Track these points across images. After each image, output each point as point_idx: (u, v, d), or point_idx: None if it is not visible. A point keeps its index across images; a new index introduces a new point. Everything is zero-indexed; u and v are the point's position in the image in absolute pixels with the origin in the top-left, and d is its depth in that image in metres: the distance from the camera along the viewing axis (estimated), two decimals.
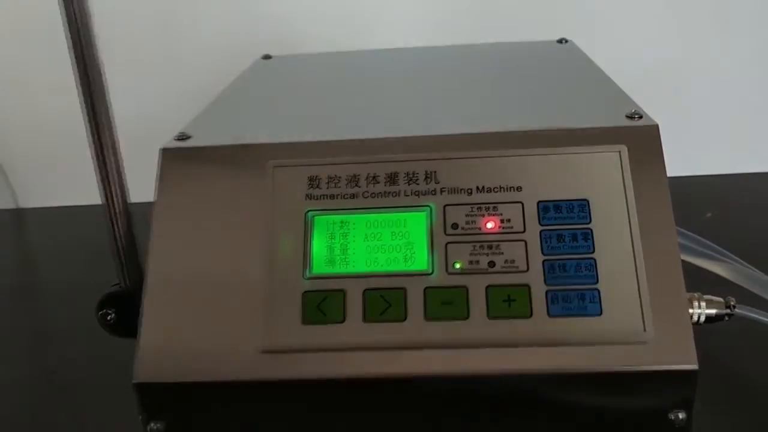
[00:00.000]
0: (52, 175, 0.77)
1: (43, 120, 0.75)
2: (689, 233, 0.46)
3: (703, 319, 0.37)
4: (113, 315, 0.39)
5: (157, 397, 0.35)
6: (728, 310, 0.38)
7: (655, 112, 0.38)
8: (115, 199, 0.38)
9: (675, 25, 0.73)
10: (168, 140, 0.39)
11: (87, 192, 0.73)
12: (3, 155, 0.76)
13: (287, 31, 0.71)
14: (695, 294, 0.37)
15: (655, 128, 0.37)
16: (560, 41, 0.59)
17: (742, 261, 0.45)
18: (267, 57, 0.61)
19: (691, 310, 0.37)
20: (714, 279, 0.44)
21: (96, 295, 0.41)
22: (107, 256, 0.45)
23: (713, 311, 0.37)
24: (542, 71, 0.52)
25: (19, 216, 0.78)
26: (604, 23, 0.74)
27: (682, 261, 0.44)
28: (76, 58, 0.35)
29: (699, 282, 0.39)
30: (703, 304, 0.37)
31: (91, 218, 0.72)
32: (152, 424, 0.35)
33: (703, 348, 0.33)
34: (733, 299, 0.38)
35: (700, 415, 0.34)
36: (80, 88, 0.36)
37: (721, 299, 0.38)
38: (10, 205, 0.78)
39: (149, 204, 0.38)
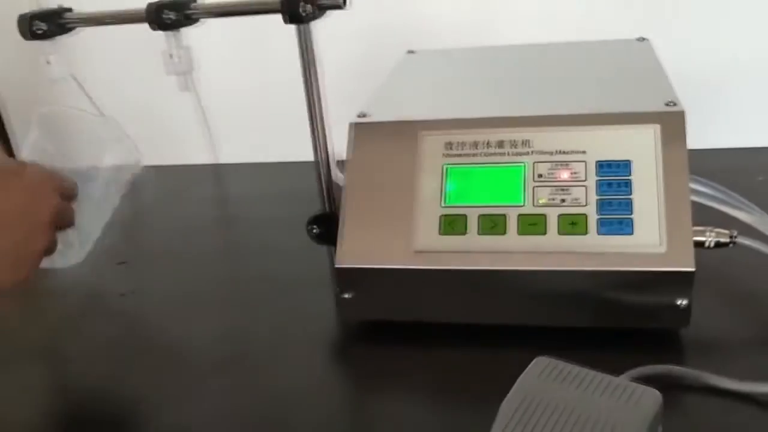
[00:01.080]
0: (246, 136, 1.00)
1: (246, 92, 0.98)
2: (724, 188, 0.62)
3: (713, 244, 0.54)
4: (317, 229, 0.61)
5: (348, 277, 0.56)
6: (731, 239, 0.54)
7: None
8: (322, 152, 0.59)
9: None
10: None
11: (269, 151, 0.96)
12: (212, 117, 0.99)
13: (427, 28, 0.90)
14: (708, 227, 0.54)
15: (681, 114, 0.54)
16: (639, 39, 0.75)
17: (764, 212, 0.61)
18: (411, 52, 0.81)
19: (703, 238, 0.53)
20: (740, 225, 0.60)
21: (291, 226, 0.63)
22: (294, 199, 0.67)
23: (720, 239, 0.54)
24: (615, 66, 0.69)
25: (217, 170, 1.03)
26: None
27: (713, 208, 0.60)
28: (300, 46, 0.55)
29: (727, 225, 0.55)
30: (713, 234, 0.54)
31: (276, 172, 0.96)
32: (344, 295, 0.57)
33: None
34: (736, 231, 0.54)
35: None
36: (305, 76, 0.56)
37: (727, 231, 0.54)
38: (213, 161, 1.03)
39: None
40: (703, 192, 0.60)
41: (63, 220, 0.54)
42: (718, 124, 0.88)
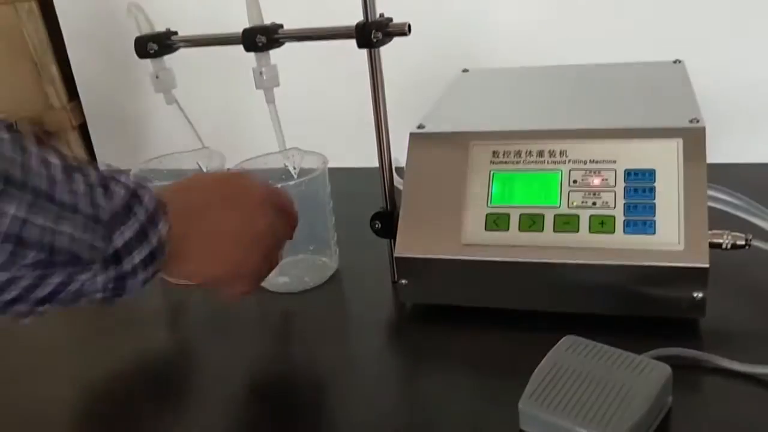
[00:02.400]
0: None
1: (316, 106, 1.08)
2: (747, 199, 0.68)
3: (729, 246, 0.61)
4: (379, 224, 0.70)
5: (405, 265, 0.65)
6: (746, 242, 0.61)
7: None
8: (385, 158, 0.68)
9: None
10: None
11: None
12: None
13: (480, 49, 0.99)
14: (726, 231, 0.61)
15: (702, 129, 0.61)
16: (675, 62, 0.82)
17: None
18: (465, 70, 0.89)
19: (720, 240, 0.60)
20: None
21: (358, 223, 0.72)
22: (362, 199, 0.76)
23: (736, 241, 0.61)
24: (648, 86, 0.76)
25: None
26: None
27: (737, 217, 0.67)
28: (370, 68, 0.65)
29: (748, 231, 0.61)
30: (730, 237, 0.60)
31: (344, 176, 1.05)
32: (401, 281, 0.66)
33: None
34: (751, 235, 0.61)
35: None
36: (373, 94, 0.66)
37: (742, 234, 0.61)
38: None
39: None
40: (729, 201, 0.67)
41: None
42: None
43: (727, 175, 0.68)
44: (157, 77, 0.71)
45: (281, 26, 0.67)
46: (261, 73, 0.67)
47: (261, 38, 0.65)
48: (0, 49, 1.80)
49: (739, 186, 0.67)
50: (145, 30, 0.70)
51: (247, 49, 0.66)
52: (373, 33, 0.61)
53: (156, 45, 0.69)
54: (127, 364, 0.66)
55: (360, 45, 0.62)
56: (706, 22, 0.94)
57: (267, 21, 0.67)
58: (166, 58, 0.73)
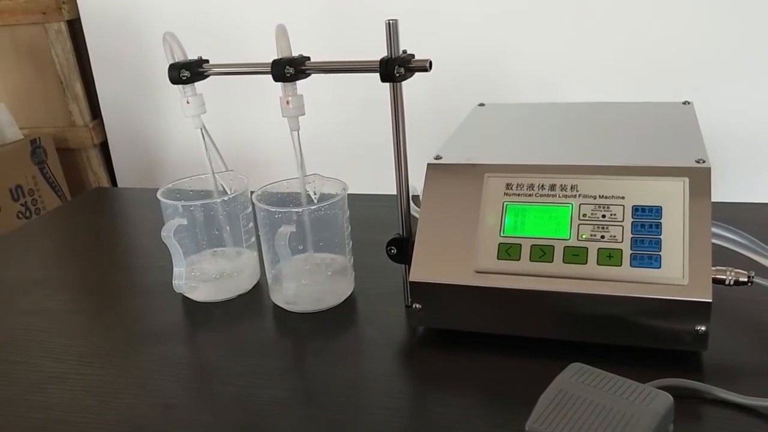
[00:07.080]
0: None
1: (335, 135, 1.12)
2: (752, 237, 0.70)
3: (732, 282, 0.63)
4: (395, 250, 0.72)
5: (419, 290, 0.68)
6: (749, 279, 0.63)
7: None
8: (403, 187, 0.71)
9: None
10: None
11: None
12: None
13: (497, 85, 1.03)
14: (729, 267, 0.63)
15: (707, 170, 0.63)
16: (684, 103, 0.85)
17: None
18: (481, 104, 0.93)
19: (723, 276, 0.63)
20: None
21: (374, 249, 0.75)
22: (378, 225, 0.79)
23: (739, 278, 0.63)
24: (658, 126, 0.79)
25: None
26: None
27: (741, 254, 0.69)
28: (391, 100, 0.68)
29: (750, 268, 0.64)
30: (733, 273, 0.63)
31: (363, 203, 1.08)
32: (414, 305, 0.68)
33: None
34: (753, 272, 0.63)
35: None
36: (394, 125, 0.69)
37: (745, 271, 0.63)
38: None
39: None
40: (732, 239, 0.69)
41: None
42: None
43: (731, 214, 0.71)
44: (188, 102, 0.74)
45: (308, 58, 0.71)
46: (288, 102, 0.70)
47: (289, 69, 0.68)
48: (28, 67, 1.86)
49: (743, 224, 0.69)
50: (179, 57, 0.73)
51: (276, 79, 0.69)
52: (396, 68, 0.64)
53: (188, 72, 0.72)
54: (144, 379, 0.68)
55: (383, 79, 0.65)
56: (715, 67, 0.97)
57: (295, 53, 0.70)
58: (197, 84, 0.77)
